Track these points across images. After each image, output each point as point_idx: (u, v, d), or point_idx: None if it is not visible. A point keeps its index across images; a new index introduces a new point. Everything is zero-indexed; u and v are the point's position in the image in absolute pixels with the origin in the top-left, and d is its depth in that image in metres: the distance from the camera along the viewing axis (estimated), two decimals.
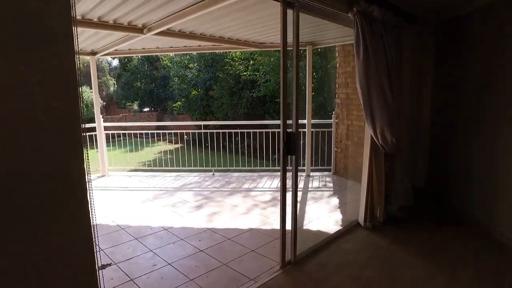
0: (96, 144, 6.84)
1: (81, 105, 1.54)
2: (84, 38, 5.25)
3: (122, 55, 7.72)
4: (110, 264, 3.28)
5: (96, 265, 1.65)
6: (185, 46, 6.30)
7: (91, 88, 28.65)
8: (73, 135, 1.50)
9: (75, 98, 1.49)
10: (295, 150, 2.78)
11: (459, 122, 4.34)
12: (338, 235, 3.74)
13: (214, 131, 7.17)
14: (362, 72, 3.19)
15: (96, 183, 6.39)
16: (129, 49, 6.45)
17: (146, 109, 36.70)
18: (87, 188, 1.65)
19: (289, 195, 2.98)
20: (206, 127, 12.78)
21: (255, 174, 6.79)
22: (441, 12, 4.36)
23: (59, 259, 1.49)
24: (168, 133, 9.02)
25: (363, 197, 3.94)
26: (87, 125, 7.10)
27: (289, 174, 2.92)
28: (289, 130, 2.78)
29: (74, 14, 1.47)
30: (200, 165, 7.23)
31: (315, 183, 6.01)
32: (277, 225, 3.86)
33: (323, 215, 4.45)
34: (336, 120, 6.44)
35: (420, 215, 4.21)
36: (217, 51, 19.99)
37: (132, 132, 7.79)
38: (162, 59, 29.85)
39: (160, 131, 6.54)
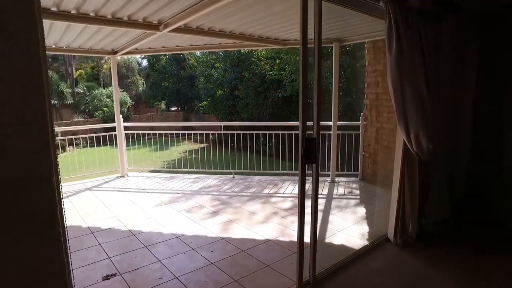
0: (117, 144, 6.78)
1: (49, 105, 1.29)
2: (102, 36, 5.14)
3: (143, 54, 7.55)
4: (115, 275, 3.07)
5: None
6: (205, 44, 6.09)
7: (121, 88, 29.26)
8: (38, 138, 1.25)
9: (41, 96, 1.24)
10: (315, 157, 2.44)
11: (507, 126, 3.82)
12: (364, 252, 3.35)
13: (235, 132, 6.91)
14: (394, 69, 2.80)
15: (115, 183, 6.31)
16: (149, 48, 6.32)
17: (173, 109, 37.27)
18: (58, 207, 1.40)
19: (309, 203, 2.64)
20: (229, 128, 12.62)
21: (277, 178, 6.46)
22: (487, 1, 3.85)
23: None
24: (193, 133, 8.85)
25: (393, 209, 3.53)
26: (109, 125, 7.06)
27: (308, 184, 2.59)
28: (310, 132, 2.44)
29: (37, 2, 1.22)
30: (221, 167, 7.00)
31: (340, 190, 5.61)
32: (296, 237, 3.54)
33: (348, 226, 4.06)
34: (365, 123, 5.99)
35: (459, 231, 3.73)
36: (242, 50, 19.82)
37: (157, 132, 7.65)
38: (188, 58, 30.12)
39: (186, 132, 6.37)
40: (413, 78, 2.80)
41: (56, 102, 31.11)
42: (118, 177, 6.76)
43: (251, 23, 4.64)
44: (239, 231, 4.00)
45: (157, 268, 3.17)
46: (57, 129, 14.74)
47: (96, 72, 39.25)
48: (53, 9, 3.71)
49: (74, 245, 3.72)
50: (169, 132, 7.34)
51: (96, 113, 27.68)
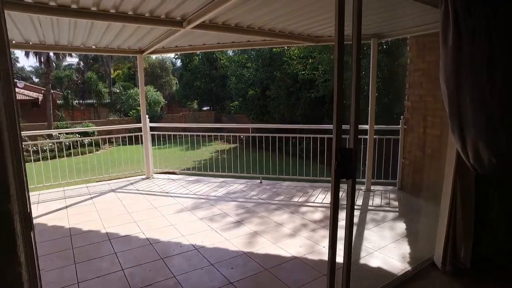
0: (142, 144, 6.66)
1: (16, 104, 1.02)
2: (127, 35, 4.98)
3: (169, 53, 7.35)
4: None
5: None
6: (233, 42, 5.79)
7: (155, 88, 29.90)
8: None
9: None
10: (352, 172, 2.04)
11: None
12: (405, 279, 2.88)
13: (263, 135, 6.55)
14: (450, 66, 2.32)
15: (139, 185, 6.17)
16: (176, 46, 6.13)
17: (205, 108, 37.64)
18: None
19: (342, 215, 2.24)
20: (258, 130, 12.24)
21: (307, 184, 6.04)
22: None
23: None
24: (220, 135, 8.63)
25: (441, 229, 3.03)
26: (135, 125, 6.96)
27: (342, 193, 2.18)
28: (345, 136, 2.05)
29: None
30: (248, 171, 6.67)
31: (376, 200, 5.10)
32: (327, 255, 3.14)
33: (386, 245, 3.59)
34: (405, 127, 5.44)
35: None
36: (274, 49, 19.44)
37: (182, 133, 7.46)
38: (220, 58, 30.18)
39: (212, 134, 6.19)
40: (474, 77, 2.31)
41: (94, 101, 32.38)
42: (143, 179, 6.64)
43: (281, 17, 4.27)
44: (263, 245, 3.65)
45: (171, 286, 2.89)
46: (93, 128, 15.18)
47: (132, 72, 40.48)
48: (73, 6, 3.55)
49: (90, 253, 3.54)
50: (195, 133, 7.10)
51: (130, 112, 28.40)
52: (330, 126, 5.83)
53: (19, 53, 44.70)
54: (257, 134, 6.50)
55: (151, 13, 3.86)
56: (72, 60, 43.75)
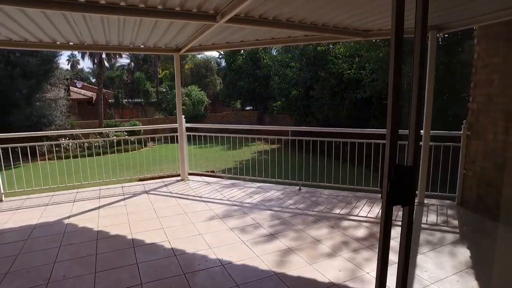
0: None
1: None
2: (161, 32, 4.79)
3: (206, 51, 7.11)
4: None
5: None
6: (273, 38, 5.39)
7: (199, 87, 30.40)
8: None
9: None
10: (409, 196, 1.55)
11: None
12: None
13: (304, 138, 6.06)
14: None
15: (173, 188, 6.00)
16: (213, 44, 5.86)
17: (248, 108, 37.66)
18: None
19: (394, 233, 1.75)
20: (299, 133, 11.67)
21: (350, 194, 5.48)
22: None
23: None
24: (262, 136, 8.27)
25: None
26: (172, 125, 6.82)
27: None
28: (402, 143, 1.57)
29: None
30: (286, 176, 6.22)
31: (431, 217, 4.42)
32: (372, 284, 2.65)
33: (446, 277, 2.98)
34: (469, 132, 4.69)
35: None
36: (318, 47, 18.75)
37: (219, 135, 7.20)
38: (263, 58, 29.93)
39: (249, 136, 5.96)
40: None
41: (142, 100, 33.74)
42: (178, 181, 6.47)
43: (323, 9, 3.80)
44: (297, 266, 3.21)
45: None
46: (139, 127, 15.52)
47: None
48: (102, 2, 3.37)
49: (112, 261, 3.34)
50: (231, 135, 6.78)
51: (175, 111, 29.12)
52: (380, 131, 5.20)
53: (78, 56, 47.82)
54: (296, 138, 6.04)
55: (182, 6, 3.58)
56: (124, 61, 46.02)
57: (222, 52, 36.03)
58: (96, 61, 25.04)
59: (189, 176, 6.66)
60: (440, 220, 4.32)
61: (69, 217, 4.64)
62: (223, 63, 42.47)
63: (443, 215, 4.50)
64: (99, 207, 5.01)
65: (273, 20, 4.18)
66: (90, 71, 53.43)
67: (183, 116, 6.42)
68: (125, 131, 21.59)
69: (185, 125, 6.44)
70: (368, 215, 4.50)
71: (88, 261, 3.38)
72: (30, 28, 4.29)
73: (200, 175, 6.83)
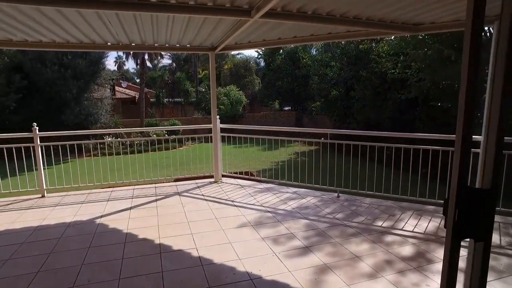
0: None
1: None
2: (195, 30, 4.64)
3: (242, 50, 6.92)
4: None
5: None
6: (312, 35, 5.06)
7: (238, 87, 30.49)
8: None
9: None
10: (486, 229, 1.20)
11: None
12: None
13: (343, 142, 5.64)
14: None
15: (205, 190, 5.85)
16: (249, 42, 5.64)
17: (286, 108, 37.25)
18: None
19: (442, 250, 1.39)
20: (338, 137, 11.12)
21: (395, 204, 5.00)
22: None
23: None
24: (298, 139, 7.91)
25: None
26: (206, 126, 6.70)
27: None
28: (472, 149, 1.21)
29: None
30: (324, 181, 5.83)
31: (506, 239, 3.85)
32: None
33: None
34: None
35: None
36: (360, 46, 17.98)
37: (253, 136, 6.97)
38: (302, 57, 29.37)
39: (286, 138, 5.69)
40: None
41: (181, 99, 34.55)
42: (211, 182, 6.33)
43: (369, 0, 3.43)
44: (334, 287, 2.88)
45: None
46: (176, 127, 15.86)
47: (218, 72, 42.26)
48: None
49: (137, 267, 3.22)
50: (266, 137, 6.50)
51: None
52: (431, 136, 4.66)
53: (124, 57, 50.03)
54: (336, 141, 5.63)
55: (214, 1, 3.37)
56: (166, 61, 47.54)
57: (261, 52, 35.98)
58: (138, 62, 25.96)
59: (222, 178, 6.50)
60: (505, 241, 3.76)
61: (101, 216, 4.64)
62: (262, 63, 42.44)
63: (508, 235, 3.92)
64: (130, 208, 4.97)
65: (313, 14, 3.86)
66: (135, 71, 55.82)
67: (217, 117, 6.26)
68: (165, 130, 22.15)
69: (219, 126, 6.28)
70: (414, 230, 4.03)
71: (113, 265, 3.28)
72: (70, 29, 4.33)
73: (234, 177, 6.63)
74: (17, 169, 5.71)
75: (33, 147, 5.54)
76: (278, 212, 4.75)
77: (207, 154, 8.33)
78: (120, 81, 41.70)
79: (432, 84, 12.91)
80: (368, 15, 4.00)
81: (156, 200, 5.30)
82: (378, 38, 18.07)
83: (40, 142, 5.58)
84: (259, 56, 37.89)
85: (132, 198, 5.43)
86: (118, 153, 6.71)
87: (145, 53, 26.53)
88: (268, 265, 3.24)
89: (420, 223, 4.21)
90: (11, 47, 5.56)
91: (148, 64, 32.36)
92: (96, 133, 10.18)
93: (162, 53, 31.01)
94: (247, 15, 3.65)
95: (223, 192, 5.74)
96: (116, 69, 57.18)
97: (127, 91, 34.79)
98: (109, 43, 5.42)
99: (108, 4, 3.26)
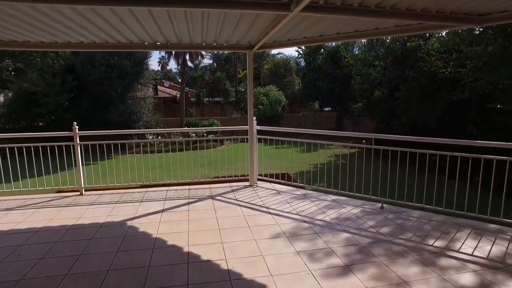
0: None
1: None
2: (231, 26, 4.41)
3: (282, 48, 6.59)
4: None
5: None
6: (357, 31, 4.65)
7: (277, 87, 30.18)
8: None
9: None
10: None
11: None
12: None
13: (389, 148, 5.13)
14: None
15: (240, 194, 5.62)
16: (288, 40, 5.35)
17: (326, 109, 36.35)
18: None
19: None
20: (381, 142, 10.44)
21: (449, 219, 4.44)
22: None
23: None
24: (337, 143, 7.48)
25: None
26: (242, 128, 6.48)
27: None
28: None
29: None
30: (367, 189, 5.35)
31: None
32: None
33: None
34: None
35: None
36: (408, 44, 16.90)
37: (294, 139, 6.58)
38: (345, 56, 28.41)
39: (331, 142, 5.34)
40: None
41: (221, 99, 34.88)
42: (246, 186, 6.09)
43: None
44: None
45: None
46: (214, 128, 15.82)
47: (257, 72, 42.24)
48: None
49: (162, 277, 3.06)
50: (305, 140, 6.08)
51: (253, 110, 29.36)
52: (496, 144, 4.04)
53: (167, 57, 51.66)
54: (381, 147, 5.15)
55: None
56: (207, 61, 48.39)
57: (301, 52, 35.38)
58: (180, 62, 26.55)
59: (258, 182, 6.24)
60: None
61: (133, 218, 4.56)
62: (303, 63, 41.78)
63: None
64: (162, 210, 4.86)
65: (359, 6, 3.47)
66: (177, 71, 57.50)
67: (254, 119, 6.00)
68: (204, 132, 22.45)
69: (256, 128, 6.02)
70: (474, 253, 3.50)
71: (139, 274, 3.13)
72: (107, 29, 4.30)
73: (270, 182, 6.34)
74: (58, 166, 5.87)
75: (73, 145, 5.64)
76: (315, 222, 4.39)
77: (244, 154, 8.11)
78: (163, 80, 43.08)
79: (490, 84, 11.76)
80: (424, 6, 3.53)
81: (188, 203, 5.16)
82: (428, 35, 16.94)
83: (81, 141, 5.68)
84: (300, 56, 37.32)
85: (165, 200, 5.33)
86: (159, 151, 6.71)
87: (186, 53, 27.08)
88: (302, 285, 2.93)
89: (482, 245, 3.65)
90: (55, 49, 5.71)
91: (190, 64, 33.02)
92: (133, 132, 10.40)
93: (203, 52, 31.46)
94: (286, 9, 3.34)
95: (258, 197, 5.48)
96: (159, 69, 59.41)
97: (169, 90, 35.78)
98: (146, 43, 5.37)
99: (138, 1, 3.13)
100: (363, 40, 27.23)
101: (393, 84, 18.23)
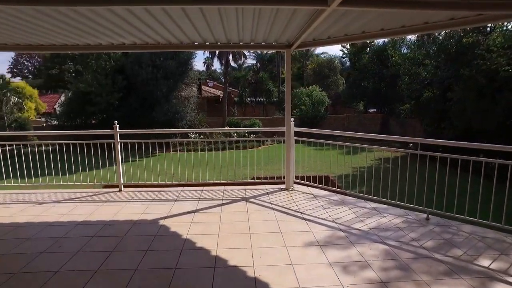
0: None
1: None
2: (267, 22, 4.25)
3: (321, 46, 6.26)
4: None
5: None
6: (404, 26, 4.29)
7: (321, 88, 29.56)
8: None
9: None
10: None
11: None
12: None
13: (437, 154, 4.66)
14: None
15: (274, 197, 5.46)
16: (328, 37, 5.09)
17: (371, 110, 35.01)
18: None
19: None
20: (428, 147, 9.68)
21: (508, 238, 3.93)
22: None
23: None
24: (379, 146, 6.98)
25: None
26: (278, 129, 6.31)
27: None
28: None
29: None
30: (410, 198, 4.93)
31: None
32: None
33: None
34: None
35: None
36: (463, 40, 15.62)
37: (333, 142, 6.27)
38: (392, 55, 27.10)
39: (374, 146, 4.98)
40: None
41: (263, 99, 34.87)
42: (281, 189, 5.91)
43: None
44: None
45: None
46: (256, 129, 15.78)
47: (301, 72, 41.73)
48: None
49: (188, 280, 3.00)
50: (344, 143, 5.75)
51: (294, 111, 29.02)
52: None
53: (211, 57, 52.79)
54: (428, 153, 4.71)
55: None
56: (250, 61, 48.74)
57: (346, 51, 34.39)
58: (223, 62, 26.97)
59: (294, 186, 6.04)
60: None
61: (165, 217, 4.58)
62: (347, 63, 40.60)
63: None
64: (195, 211, 4.84)
65: None
66: (221, 71, 58.60)
67: (292, 120, 5.79)
68: (245, 132, 22.62)
69: (293, 129, 5.82)
70: None
71: (165, 275, 3.10)
72: (142, 28, 4.35)
73: (307, 185, 6.11)
74: (100, 163, 6.11)
75: (114, 143, 5.83)
76: (352, 231, 4.11)
77: (282, 155, 7.93)
78: (207, 80, 44.08)
79: None
80: None
81: (221, 205, 5.10)
82: (489, 29, 15.59)
83: (123, 139, 5.88)
84: (344, 55, 36.29)
85: (199, 200, 5.32)
86: (202, 149, 6.81)
87: (229, 53, 27.38)
88: None
89: None
90: (104, 50, 5.95)
91: (233, 64, 33.38)
92: (170, 132, 10.53)
93: (246, 52, 31.64)
94: (323, 4, 3.13)
95: (293, 201, 5.29)
96: (204, 70, 60.94)
97: (212, 90, 36.50)
98: (183, 42, 5.39)
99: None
100: (412, 38, 25.80)
101: (445, 84, 17.01)
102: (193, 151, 6.65)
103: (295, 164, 6.11)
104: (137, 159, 8.30)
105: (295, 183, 6.14)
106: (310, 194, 5.68)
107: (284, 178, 6.06)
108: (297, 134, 5.99)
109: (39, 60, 51.03)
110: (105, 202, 5.34)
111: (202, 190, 5.86)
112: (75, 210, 4.97)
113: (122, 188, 5.96)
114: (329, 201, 5.29)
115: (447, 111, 17.26)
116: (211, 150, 7.25)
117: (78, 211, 4.91)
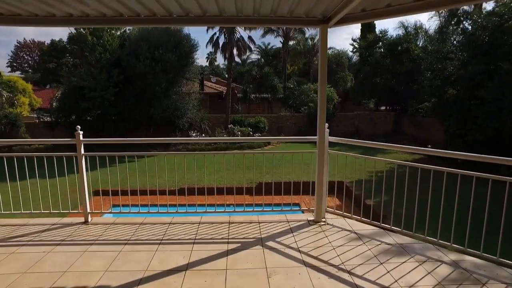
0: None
1: None
2: None
3: (376, 19, 4.41)
4: None
5: None
6: None
7: (329, 84, 27.74)
8: None
9: None
10: None
11: None
12: None
13: (459, 172, 2.98)
14: None
15: (300, 238, 3.78)
16: (389, 5, 3.40)
17: (382, 108, 33.28)
18: None
19: None
20: (449, 160, 7.95)
21: None
22: None
23: None
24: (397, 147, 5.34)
25: None
26: (310, 139, 4.62)
27: None
28: None
29: None
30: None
31: None
32: None
33: None
34: None
35: None
36: (495, 26, 13.79)
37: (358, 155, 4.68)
38: (412, 48, 25.24)
39: (388, 148, 3.75)
40: None
41: (268, 95, 33.05)
42: (309, 222, 4.22)
43: None
44: None
45: None
46: (272, 138, 14.02)
47: (307, 67, 39.86)
48: None
49: None
50: (393, 161, 4.17)
51: (302, 108, 27.26)
52: None
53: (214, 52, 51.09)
54: (446, 169, 3.04)
55: None
56: (254, 56, 46.97)
57: (356, 45, 32.55)
58: (227, 55, 25.21)
59: (326, 215, 4.37)
60: None
61: (139, 283, 2.94)
62: (354, 58, 38.71)
63: None
64: (186, 267, 3.17)
65: None
66: (224, 67, 56.93)
67: (326, 126, 4.09)
68: (250, 130, 20.92)
69: (328, 139, 4.14)
70: None
71: None
72: None
73: (343, 216, 4.44)
74: (58, 185, 4.46)
75: (76, 157, 4.18)
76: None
77: (296, 158, 6.18)
78: (210, 76, 42.35)
79: None
80: None
81: (227, 254, 3.44)
82: None
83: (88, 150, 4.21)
84: (354, 50, 34.40)
85: (194, 244, 3.66)
86: (202, 149, 5.08)
87: (233, 46, 25.58)
88: None
89: None
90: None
91: (237, 59, 31.58)
92: (185, 141, 8.86)
93: (251, 46, 29.74)
94: None
95: (331, 246, 3.62)
96: (207, 65, 59.19)
97: (215, 85, 34.78)
98: (174, 15, 3.72)
99: None
100: (432, 30, 23.98)
101: (476, 81, 15.18)
102: (193, 150, 4.93)
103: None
104: (108, 166, 6.65)
105: (326, 211, 4.47)
106: (350, 231, 4.00)
107: (311, 204, 4.41)
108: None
109: (39, 54, 49.50)
110: (58, 244, 3.70)
111: (199, 223, 4.20)
112: (5, 263, 3.31)
113: (89, 219, 4.31)
114: (381, 246, 3.63)
115: (473, 110, 15.47)
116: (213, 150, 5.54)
117: (9, 265, 3.27)
